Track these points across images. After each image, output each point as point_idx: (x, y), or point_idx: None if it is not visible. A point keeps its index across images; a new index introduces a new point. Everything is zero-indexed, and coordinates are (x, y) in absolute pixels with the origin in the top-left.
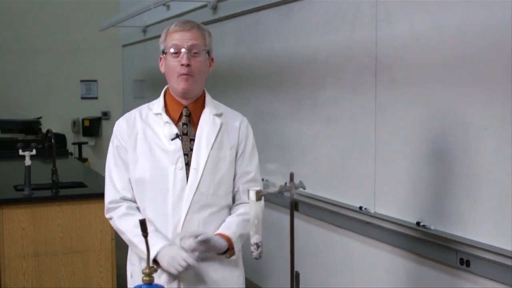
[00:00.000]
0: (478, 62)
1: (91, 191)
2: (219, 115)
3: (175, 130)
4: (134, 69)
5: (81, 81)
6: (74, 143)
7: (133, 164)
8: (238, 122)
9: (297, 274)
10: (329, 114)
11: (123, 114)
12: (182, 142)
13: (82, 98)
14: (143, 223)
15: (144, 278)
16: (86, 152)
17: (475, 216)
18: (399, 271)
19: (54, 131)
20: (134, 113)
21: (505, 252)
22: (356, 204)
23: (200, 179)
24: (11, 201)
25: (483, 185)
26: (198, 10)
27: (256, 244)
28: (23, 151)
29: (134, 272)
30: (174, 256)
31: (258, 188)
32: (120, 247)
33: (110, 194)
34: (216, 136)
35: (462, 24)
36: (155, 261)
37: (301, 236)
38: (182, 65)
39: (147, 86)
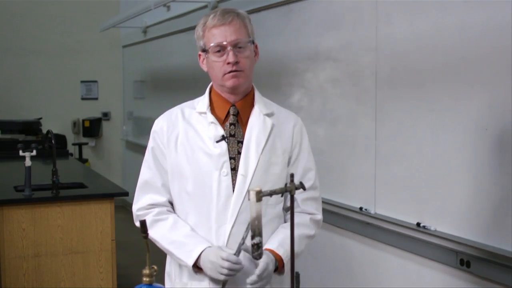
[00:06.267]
0: (478, 63)
1: (91, 191)
2: (270, 114)
3: (221, 131)
4: (135, 69)
5: (82, 81)
6: (74, 144)
7: (172, 169)
8: (291, 123)
9: (297, 275)
10: (329, 114)
11: (123, 115)
12: (228, 145)
13: (83, 98)
14: (143, 224)
15: (144, 279)
16: (87, 152)
17: (475, 216)
18: (399, 272)
19: (54, 131)
20: (175, 111)
21: (505, 252)
22: (356, 204)
23: (249, 187)
24: (11, 202)
25: (485, 185)
26: (199, 10)
27: (257, 244)
28: (23, 151)
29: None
30: (214, 262)
31: (258, 189)
32: (121, 247)
33: (139, 201)
34: (267, 139)
35: (462, 25)
36: (197, 267)
37: None
38: (229, 63)
39: (148, 87)
